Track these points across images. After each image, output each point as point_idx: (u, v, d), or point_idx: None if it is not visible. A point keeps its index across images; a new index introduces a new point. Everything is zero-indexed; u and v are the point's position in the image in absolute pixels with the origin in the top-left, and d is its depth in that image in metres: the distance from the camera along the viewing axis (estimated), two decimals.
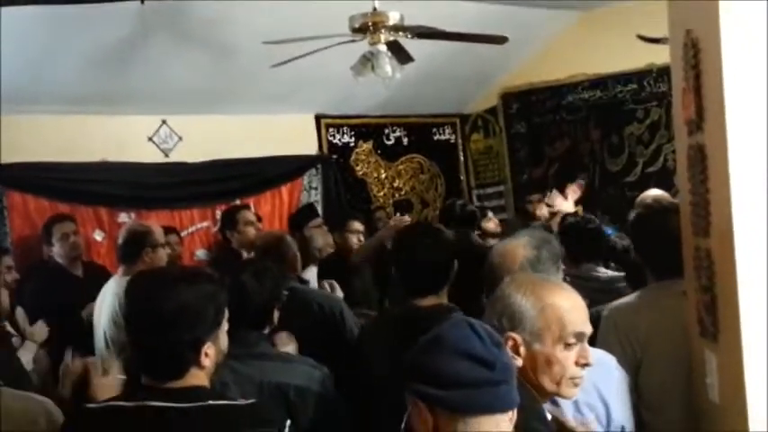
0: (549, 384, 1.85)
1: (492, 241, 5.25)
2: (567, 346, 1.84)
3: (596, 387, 2.02)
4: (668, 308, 2.48)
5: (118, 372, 2.90)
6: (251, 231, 4.64)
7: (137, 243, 4.03)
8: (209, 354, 1.90)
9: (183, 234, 6.22)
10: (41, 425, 2.06)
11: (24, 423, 2.04)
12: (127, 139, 6.32)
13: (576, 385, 1.87)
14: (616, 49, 7.10)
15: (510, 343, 1.82)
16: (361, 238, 5.06)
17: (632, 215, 2.90)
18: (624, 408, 2.11)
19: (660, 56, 6.30)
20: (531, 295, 1.86)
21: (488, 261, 2.43)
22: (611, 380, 2.10)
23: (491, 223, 6.24)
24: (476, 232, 5.55)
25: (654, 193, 4.01)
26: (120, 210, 6.14)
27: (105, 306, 3.86)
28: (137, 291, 1.95)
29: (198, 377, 1.90)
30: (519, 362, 1.82)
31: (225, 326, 2.01)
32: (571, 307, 1.87)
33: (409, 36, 5.01)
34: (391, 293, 4.03)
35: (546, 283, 1.95)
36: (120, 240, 4.18)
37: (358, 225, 5.19)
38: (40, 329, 3.79)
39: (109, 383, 2.82)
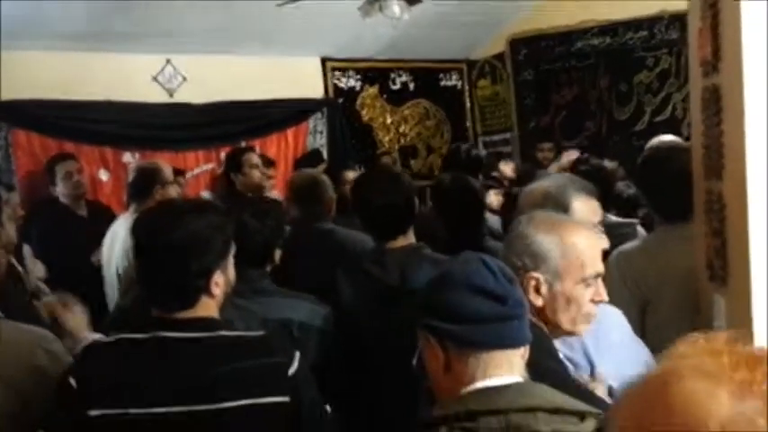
0: (566, 323, 1.85)
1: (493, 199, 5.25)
2: (587, 285, 1.85)
3: (582, 343, 1.99)
4: (676, 252, 2.47)
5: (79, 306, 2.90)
6: (256, 174, 4.60)
7: (147, 180, 4.03)
8: (219, 283, 1.91)
9: (187, 176, 6.21)
10: (40, 357, 2.05)
11: (22, 354, 2.03)
12: (131, 77, 6.26)
13: (588, 322, 1.88)
14: None
15: (532, 283, 1.82)
16: None
17: (641, 158, 2.87)
18: (616, 367, 2.07)
19: (672, 2, 6.22)
20: (554, 234, 1.84)
21: (521, 203, 2.39)
22: (605, 339, 2.04)
23: (508, 168, 6.22)
24: (492, 174, 5.54)
25: (666, 138, 3.96)
26: (124, 149, 6.13)
27: (117, 242, 3.87)
28: (146, 222, 1.96)
29: (209, 307, 1.91)
30: (540, 301, 1.82)
31: (232, 258, 2.01)
32: (590, 246, 1.87)
33: None
34: None
35: (565, 221, 1.94)
36: (129, 178, 4.18)
37: (351, 174, 5.15)
38: (39, 268, 3.81)
39: (77, 315, 2.83)
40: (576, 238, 1.86)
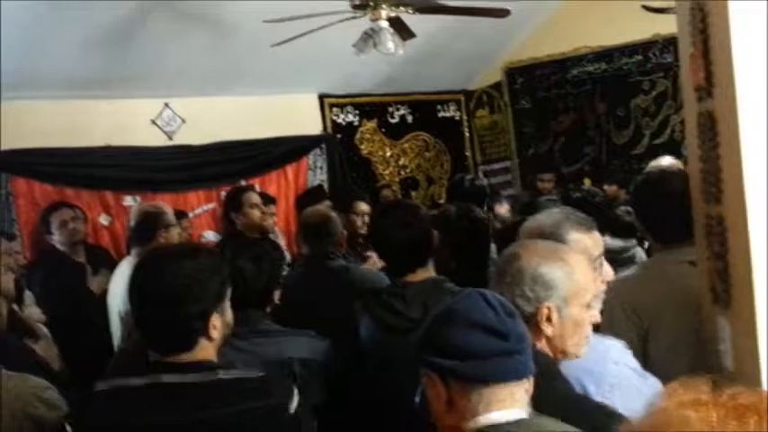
0: (573, 347, 1.86)
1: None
2: (588, 307, 1.87)
3: (579, 380, 1.95)
4: (675, 277, 2.45)
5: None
6: (256, 213, 4.58)
7: (150, 224, 4.03)
8: (217, 325, 1.92)
9: (189, 216, 6.22)
10: (36, 406, 2.04)
11: (18, 404, 2.03)
12: (130, 122, 6.32)
13: (587, 344, 1.89)
14: (620, 21, 7.04)
15: (545, 312, 1.81)
16: (366, 220, 5.01)
17: (637, 180, 2.86)
18: (612, 400, 2.05)
19: (665, 26, 6.26)
20: (558, 261, 1.85)
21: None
22: (604, 372, 2.00)
23: (503, 209, 6.22)
24: (488, 213, 5.51)
25: (664, 161, 3.95)
26: (125, 193, 6.15)
27: (119, 286, 3.86)
28: (143, 268, 1.96)
29: (207, 350, 1.91)
30: (550, 330, 1.82)
31: (228, 300, 2.01)
32: (587, 269, 1.90)
33: (410, 11, 4.97)
34: None
35: (561, 247, 1.95)
36: (132, 222, 4.18)
37: (364, 206, 5.14)
38: (36, 312, 3.80)
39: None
40: (576, 263, 1.87)
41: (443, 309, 1.55)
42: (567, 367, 1.89)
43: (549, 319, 1.83)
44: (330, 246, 3.65)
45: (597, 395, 1.93)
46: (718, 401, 0.79)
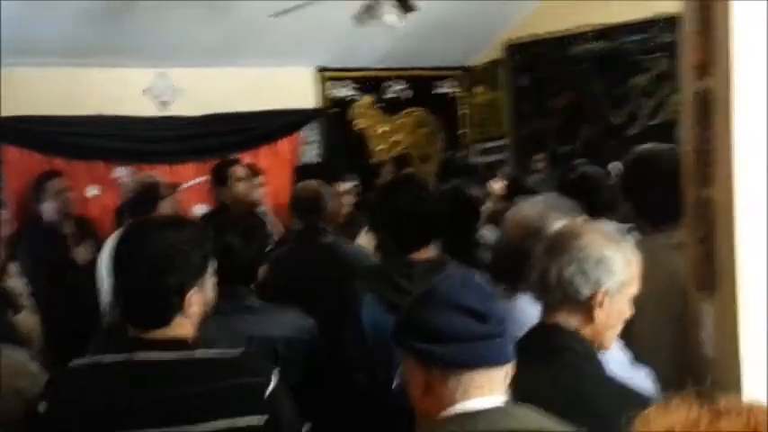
0: (608, 339, 1.83)
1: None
2: (631, 302, 1.83)
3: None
4: (659, 260, 2.41)
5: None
6: (241, 187, 4.54)
7: (151, 195, 3.98)
8: (195, 301, 1.86)
9: (180, 188, 6.15)
10: (20, 380, 2.04)
11: (5, 378, 2.02)
12: (124, 92, 6.23)
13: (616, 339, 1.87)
14: None
15: (601, 296, 1.77)
16: (345, 201, 4.97)
17: (627, 161, 2.82)
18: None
19: (667, 5, 6.18)
20: (620, 247, 1.81)
21: (505, 232, 2.35)
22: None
23: (497, 185, 6.16)
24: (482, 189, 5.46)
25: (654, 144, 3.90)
26: (116, 164, 6.08)
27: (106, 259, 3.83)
28: (124, 237, 1.93)
29: (184, 327, 1.86)
30: (599, 316, 1.78)
31: (212, 277, 1.97)
32: (636, 264, 1.84)
33: None
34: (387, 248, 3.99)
35: (618, 237, 1.91)
36: (127, 194, 4.12)
37: (344, 185, 5.09)
38: (19, 284, 3.77)
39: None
40: (632, 254, 1.83)
41: (423, 290, 1.51)
42: None
43: (601, 305, 1.78)
44: (321, 221, 3.64)
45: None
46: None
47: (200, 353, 1.86)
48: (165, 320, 1.84)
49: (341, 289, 3.01)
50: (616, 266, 1.77)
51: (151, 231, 1.88)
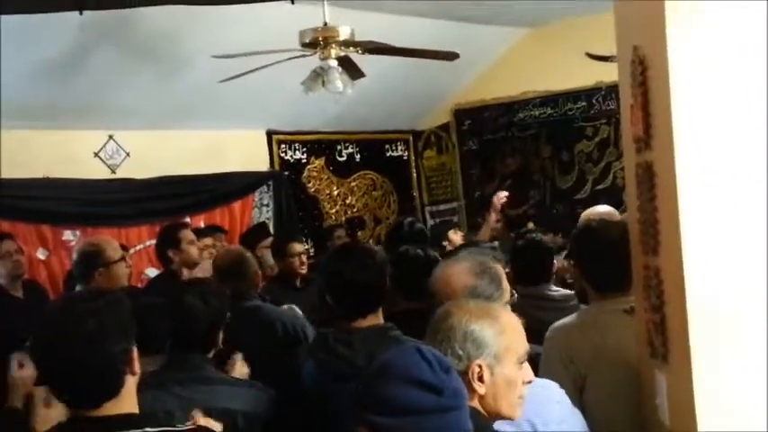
0: (506, 408, 1.86)
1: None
2: (520, 365, 1.88)
3: (530, 421, 1.99)
4: (613, 327, 2.46)
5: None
6: (193, 250, 4.51)
7: (88, 262, 3.92)
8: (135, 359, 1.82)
9: (131, 252, 6.08)
10: None
11: None
12: (72, 154, 6.18)
13: (522, 405, 1.89)
14: (566, 66, 7.18)
15: (476, 370, 1.81)
16: (304, 259, 5.00)
17: (576, 229, 2.89)
18: None
19: (609, 73, 6.36)
20: (489, 319, 1.87)
21: (430, 285, 2.40)
22: (550, 414, 2.06)
23: (457, 236, 6.23)
24: (442, 243, 5.53)
25: (600, 209, 4.01)
26: (64, 227, 6.00)
27: None
28: (47, 321, 1.82)
29: (130, 400, 1.81)
30: (483, 389, 1.82)
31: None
32: (519, 326, 1.91)
33: (360, 51, 4.99)
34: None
35: (492, 305, 1.98)
36: (73, 258, 4.07)
37: (299, 247, 5.11)
38: None
39: (52, 416, 2.69)
40: (508, 320, 1.90)
41: (379, 363, 1.52)
42: None
43: (480, 378, 1.82)
44: (243, 285, 3.63)
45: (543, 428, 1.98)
46: None
47: (149, 429, 1.78)
48: (117, 389, 1.80)
49: (268, 353, 3.04)
50: (486, 339, 1.83)
51: (73, 305, 1.82)
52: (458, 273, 2.37)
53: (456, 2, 6.20)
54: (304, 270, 4.95)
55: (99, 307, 1.79)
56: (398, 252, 3.50)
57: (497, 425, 1.88)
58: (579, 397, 2.39)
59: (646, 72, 2.01)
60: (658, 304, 1.99)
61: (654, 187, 1.99)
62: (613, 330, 2.43)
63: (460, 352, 1.81)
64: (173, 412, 2.22)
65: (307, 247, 5.87)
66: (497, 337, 1.84)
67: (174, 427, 1.85)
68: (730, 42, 1.81)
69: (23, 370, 2.58)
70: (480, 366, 1.82)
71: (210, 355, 2.66)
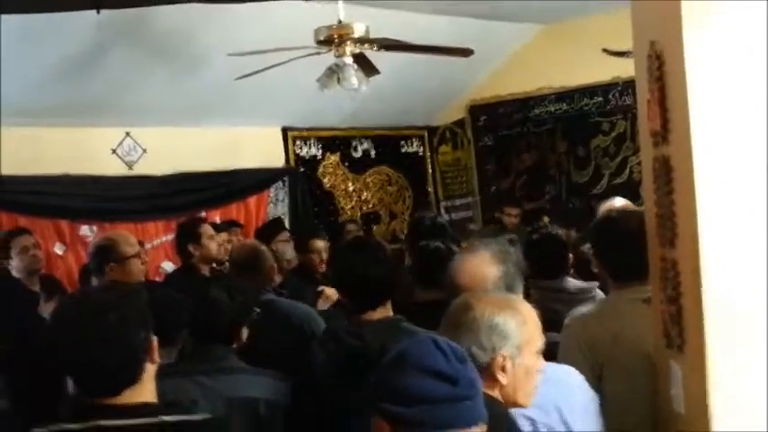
0: (522, 397, 1.90)
1: None
2: (538, 356, 1.92)
3: (557, 407, 2.04)
4: (630, 316, 2.47)
5: None
6: (213, 245, 4.55)
7: (102, 256, 3.96)
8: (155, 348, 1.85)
9: (147, 247, 6.13)
10: None
11: None
12: (90, 151, 6.24)
13: (535, 394, 1.93)
14: (582, 62, 7.17)
15: (500, 361, 1.84)
16: (323, 257, 5.01)
17: (595, 220, 2.90)
18: (589, 428, 2.10)
19: (625, 69, 6.35)
20: (511, 310, 1.90)
21: (452, 280, 2.38)
22: (574, 400, 2.10)
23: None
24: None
25: (617, 202, 4.01)
26: (81, 222, 6.07)
27: None
28: (69, 312, 1.85)
29: (148, 389, 1.83)
30: (505, 380, 1.85)
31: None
32: (536, 317, 1.95)
33: (375, 48, 5.00)
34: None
35: (510, 297, 2.01)
36: (89, 255, 4.13)
37: (320, 243, 5.13)
38: None
39: None
40: (528, 311, 1.93)
41: (394, 353, 1.54)
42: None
43: (503, 369, 1.85)
44: (258, 279, 3.64)
45: (570, 416, 2.03)
46: None
47: (166, 418, 1.80)
48: (136, 377, 1.81)
49: (282, 346, 3.06)
50: (509, 330, 1.86)
51: (89, 299, 1.88)
52: (484, 262, 2.36)
53: None
54: (323, 268, 4.96)
55: (119, 298, 1.83)
56: (420, 246, 3.50)
57: (525, 411, 1.93)
58: (598, 384, 2.40)
59: (662, 67, 2.02)
60: (675, 296, 2.00)
61: (671, 181, 2.00)
62: (631, 319, 2.44)
63: (486, 344, 1.84)
64: (197, 401, 2.25)
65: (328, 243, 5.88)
66: (520, 328, 1.87)
67: (189, 416, 1.88)
68: (745, 38, 1.83)
69: None
70: (504, 357, 1.85)
71: (234, 346, 2.69)
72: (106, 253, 3.90)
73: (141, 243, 5.70)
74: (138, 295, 1.88)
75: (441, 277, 2.58)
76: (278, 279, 4.34)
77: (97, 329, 1.78)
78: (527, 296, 2.43)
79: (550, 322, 2.20)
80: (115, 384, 1.81)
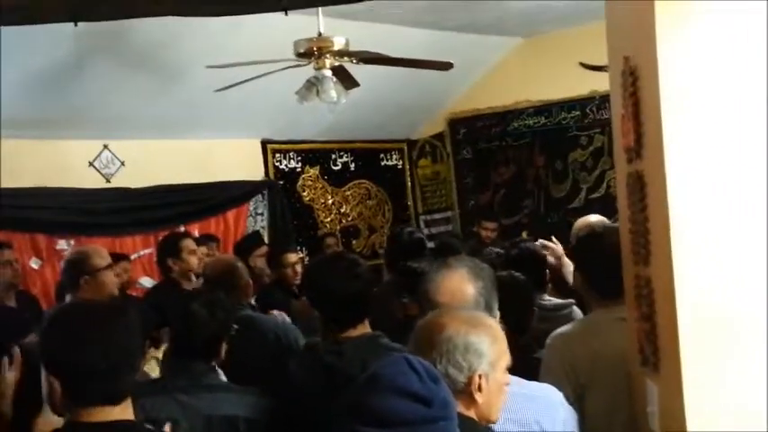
0: (495, 413, 1.89)
1: None
2: (506, 371, 1.91)
3: (537, 421, 2.03)
4: (611, 334, 2.47)
5: None
6: (193, 260, 4.53)
7: (73, 270, 3.92)
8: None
9: (133, 257, 6.10)
10: None
11: None
12: (67, 164, 6.20)
13: (502, 408, 1.93)
14: (560, 76, 7.20)
15: (477, 381, 1.83)
16: (298, 270, 5.00)
17: (576, 237, 2.90)
18: None
19: (603, 83, 6.35)
20: (483, 327, 1.89)
21: (431, 297, 2.29)
22: (556, 415, 2.09)
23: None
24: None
25: (592, 218, 4.03)
26: (58, 236, 6.00)
27: None
28: (62, 325, 1.86)
29: (128, 401, 1.82)
30: (480, 399, 1.84)
31: None
32: (502, 332, 1.94)
33: (354, 61, 5.01)
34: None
35: (478, 314, 1.99)
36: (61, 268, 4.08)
37: (293, 257, 5.14)
38: None
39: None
40: (496, 327, 1.93)
41: (368, 374, 1.53)
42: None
43: (479, 388, 1.84)
44: (233, 295, 3.59)
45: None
46: None
47: None
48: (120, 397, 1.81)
49: (260, 362, 3.05)
50: (484, 349, 1.84)
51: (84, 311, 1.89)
52: (463, 279, 2.29)
53: (450, 12, 6.22)
54: (298, 280, 4.95)
55: (118, 311, 1.86)
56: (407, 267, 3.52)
57: (508, 427, 1.93)
58: (579, 404, 2.39)
59: (636, 82, 2.02)
60: (649, 313, 2.00)
61: (644, 197, 2.00)
62: (613, 339, 2.44)
63: (463, 363, 1.82)
64: (178, 420, 2.23)
65: (301, 255, 5.87)
66: (492, 345, 1.86)
67: None
68: (720, 53, 1.84)
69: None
70: (480, 376, 1.83)
71: (213, 363, 2.67)
72: (79, 266, 3.86)
73: (124, 257, 5.67)
74: (132, 306, 1.89)
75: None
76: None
77: (105, 340, 1.79)
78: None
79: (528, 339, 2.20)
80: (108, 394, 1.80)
